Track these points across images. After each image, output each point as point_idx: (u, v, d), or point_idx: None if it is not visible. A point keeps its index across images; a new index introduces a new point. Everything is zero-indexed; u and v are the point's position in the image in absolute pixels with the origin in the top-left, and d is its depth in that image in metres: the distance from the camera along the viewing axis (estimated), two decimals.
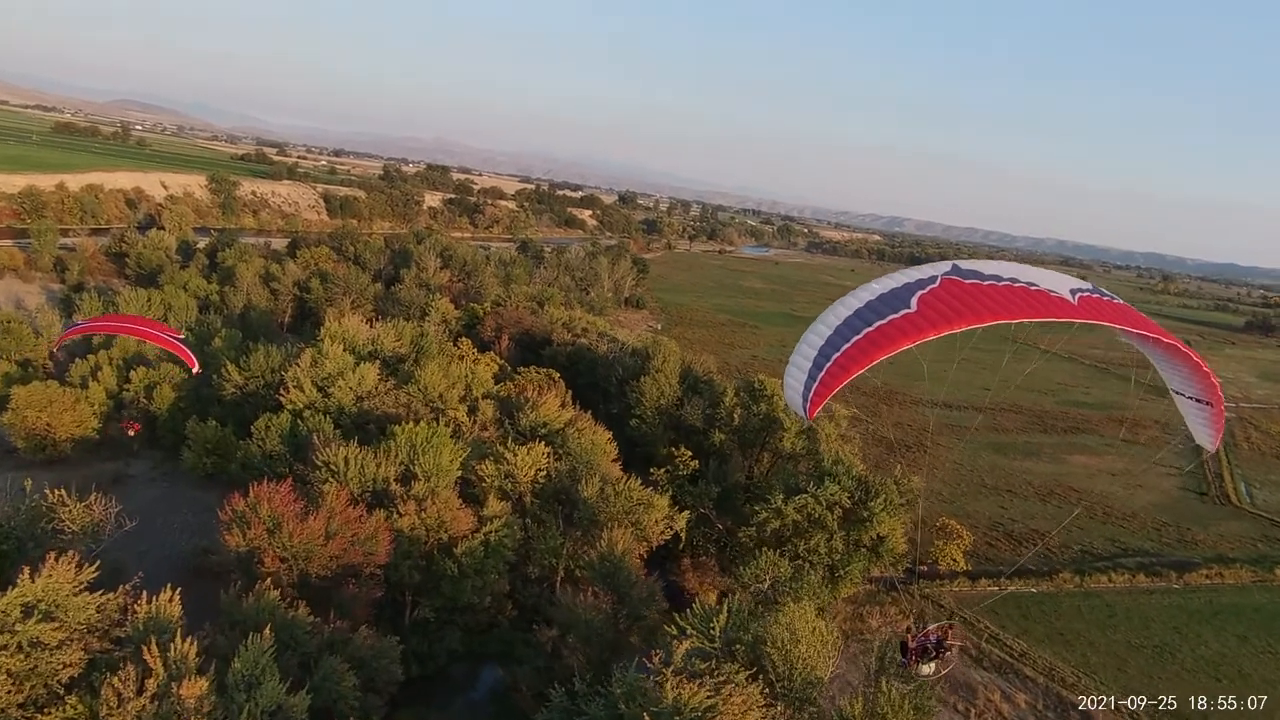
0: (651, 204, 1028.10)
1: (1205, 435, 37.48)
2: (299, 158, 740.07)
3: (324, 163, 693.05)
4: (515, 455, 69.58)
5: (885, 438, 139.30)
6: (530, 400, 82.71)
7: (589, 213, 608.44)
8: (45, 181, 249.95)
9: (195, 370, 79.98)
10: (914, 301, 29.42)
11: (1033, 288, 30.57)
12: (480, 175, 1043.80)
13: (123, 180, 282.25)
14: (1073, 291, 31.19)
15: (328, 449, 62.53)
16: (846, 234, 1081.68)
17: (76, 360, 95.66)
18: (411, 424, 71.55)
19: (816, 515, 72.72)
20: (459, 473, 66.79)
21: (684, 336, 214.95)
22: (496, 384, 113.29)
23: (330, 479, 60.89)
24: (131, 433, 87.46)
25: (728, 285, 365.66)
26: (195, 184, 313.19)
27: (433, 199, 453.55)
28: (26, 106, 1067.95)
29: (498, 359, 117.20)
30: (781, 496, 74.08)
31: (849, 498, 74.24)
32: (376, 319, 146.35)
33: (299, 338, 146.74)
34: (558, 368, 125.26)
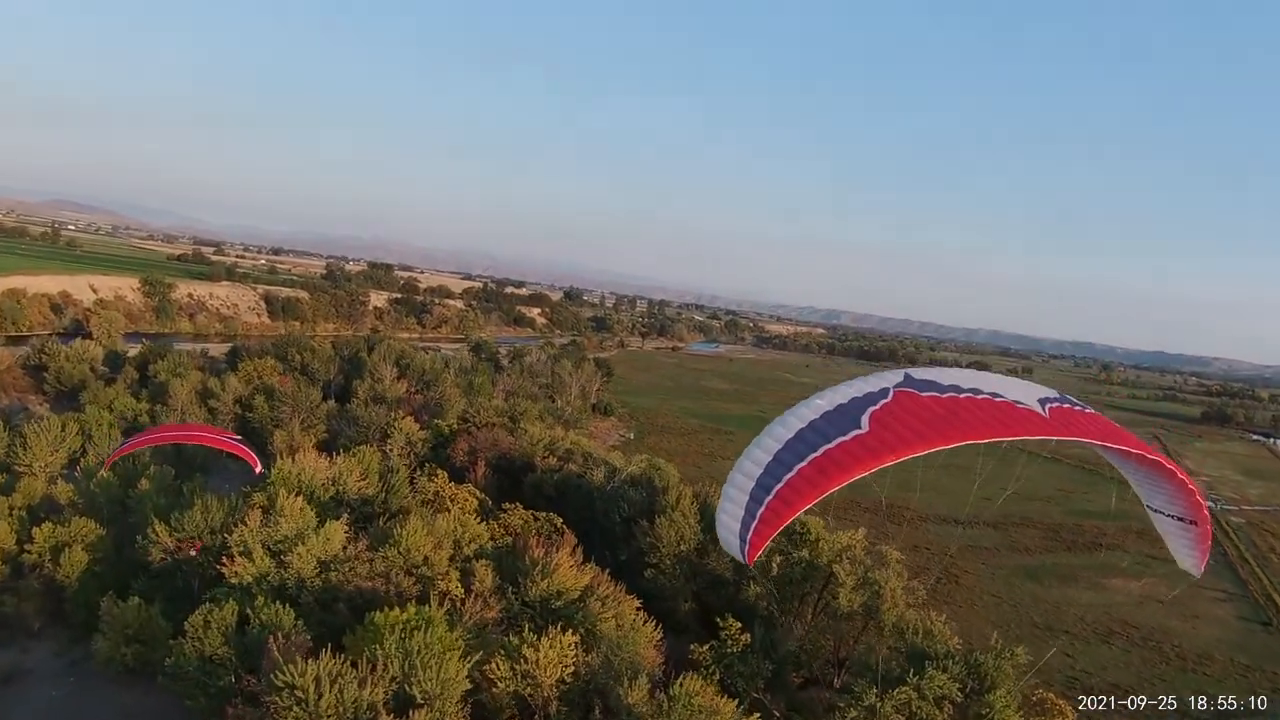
0: (596, 299, 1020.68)
1: (1190, 558, 33.74)
2: (237, 257, 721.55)
3: (263, 262, 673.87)
4: (536, 650, 53.18)
5: (908, 566, 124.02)
6: (538, 561, 66.37)
7: (537, 310, 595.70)
8: None
9: (257, 470, 73.79)
10: (865, 420, 25.35)
11: (998, 399, 26.97)
12: (423, 273, 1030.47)
13: (48, 284, 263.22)
14: (1042, 402, 27.87)
15: (290, 664, 45.70)
16: (790, 328, 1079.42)
17: None
18: (396, 608, 55.13)
19: (922, 716, 56.85)
20: (467, 684, 50.22)
21: (659, 446, 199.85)
22: (482, 522, 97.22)
23: (294, 707, 44.10)
24: (194, 552, 71.08)
25: (689, 386, 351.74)
26: (127, 286, 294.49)
27: (378, 299, 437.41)
28: None
29: (476, 491, 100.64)
30: (874, 690, 58.18)
31: (959, 688, 58.56)
32: (331, 442, 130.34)
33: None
34: (545, 501, 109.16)
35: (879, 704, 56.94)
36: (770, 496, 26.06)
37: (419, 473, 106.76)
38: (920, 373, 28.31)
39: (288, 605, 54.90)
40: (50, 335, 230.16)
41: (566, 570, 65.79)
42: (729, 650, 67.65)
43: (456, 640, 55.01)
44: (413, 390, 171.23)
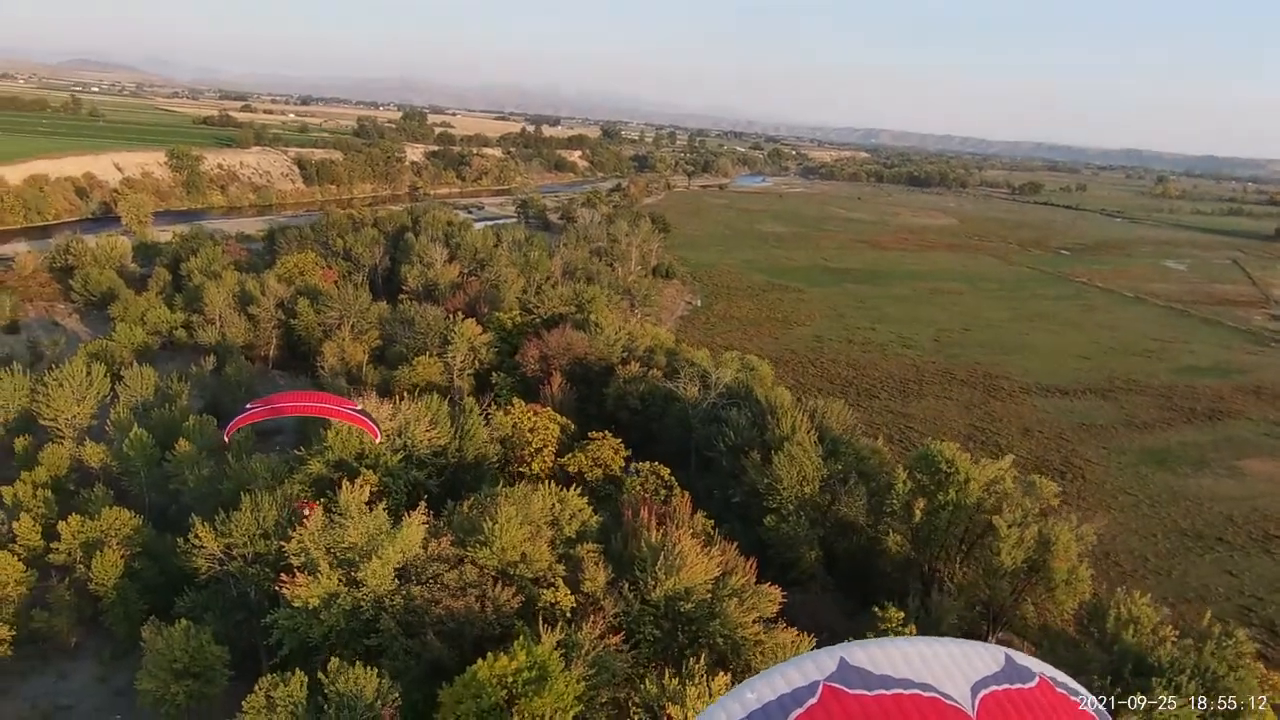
0: (635, 134, 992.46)
1: None
2: (265, 111, 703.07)
3: (292, 117, 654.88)
4: (684, 709, 42.16)
5: (1019, 455, 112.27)
6: (658, 549, 54.86)
7: (578, 154, 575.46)
8: None
9: (378, 439, 67.83)
10: None
11: (927, 696, 21.61)
12: (454, 114, 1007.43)
13: (71, 167, 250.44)
14: (975, 689, 22.15)
15: None
16: (834, 153, 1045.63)
17: None
18: (500, 655, 44.21)
19: None
20: None
21: (730, 314, 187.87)
22: (562, 457, 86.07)
23: None
24: (308, 512, 61.95)
25: (745, 232, 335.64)
26: (154, 162, 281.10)
27: (414, 153, 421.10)
28: None
29: (556, 416, 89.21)
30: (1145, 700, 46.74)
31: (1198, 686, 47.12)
32: (384, 350, 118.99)
33: (289, 377, 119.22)
34: (627, 420, 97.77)
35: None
36: None
37: (487, 396, 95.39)
38: (858, 655, 23.19)
39: (370, 668, 43.81)
40: (77, 225, 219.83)
41: (694, 560, 54.23)
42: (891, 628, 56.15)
43: (574, 687, 44.26)
44: (465, 273, 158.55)
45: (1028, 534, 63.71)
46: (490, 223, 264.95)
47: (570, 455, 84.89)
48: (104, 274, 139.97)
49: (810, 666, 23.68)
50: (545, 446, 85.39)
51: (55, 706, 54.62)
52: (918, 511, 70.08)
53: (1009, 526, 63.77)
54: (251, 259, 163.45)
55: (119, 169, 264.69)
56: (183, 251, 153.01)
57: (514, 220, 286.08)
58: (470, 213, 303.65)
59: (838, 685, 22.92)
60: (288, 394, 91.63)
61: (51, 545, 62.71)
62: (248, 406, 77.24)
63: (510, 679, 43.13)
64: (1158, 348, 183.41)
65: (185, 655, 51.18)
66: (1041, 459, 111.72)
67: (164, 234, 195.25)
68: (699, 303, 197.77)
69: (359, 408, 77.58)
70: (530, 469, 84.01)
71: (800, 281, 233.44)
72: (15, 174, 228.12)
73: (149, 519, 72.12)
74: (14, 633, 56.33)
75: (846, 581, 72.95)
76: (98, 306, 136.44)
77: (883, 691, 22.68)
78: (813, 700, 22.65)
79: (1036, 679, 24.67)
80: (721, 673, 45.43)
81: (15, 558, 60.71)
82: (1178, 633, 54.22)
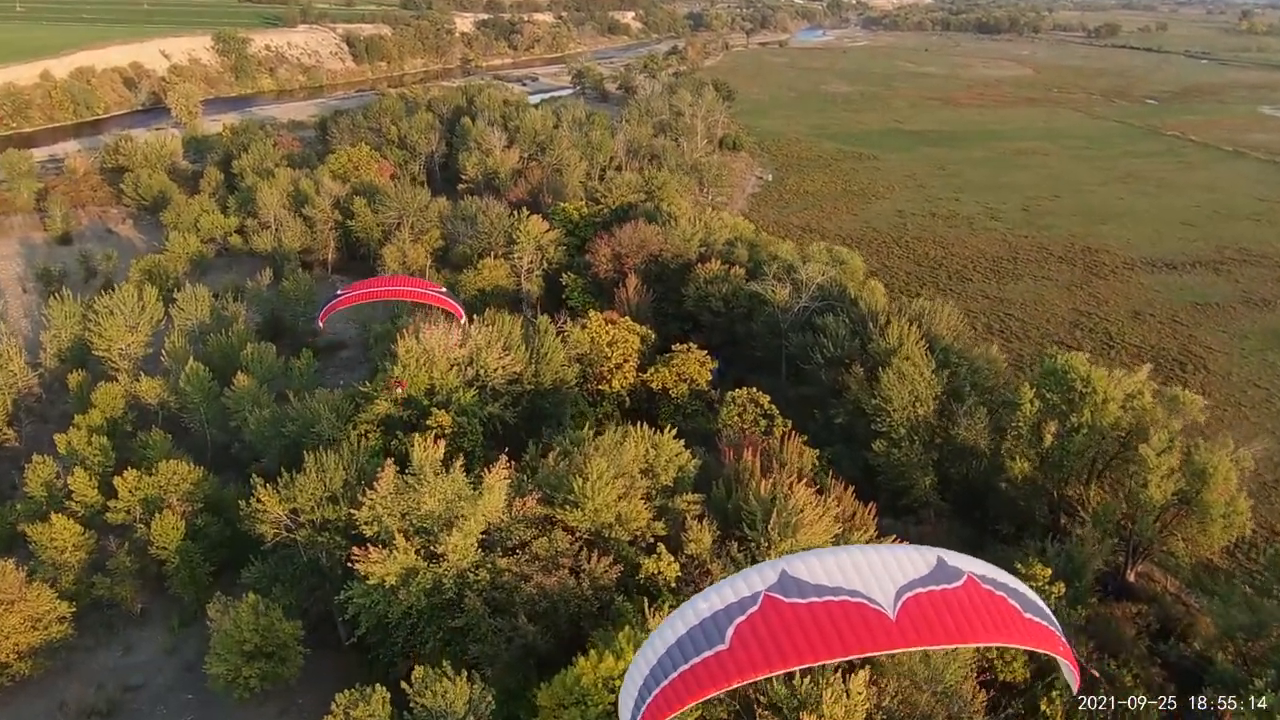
0: None
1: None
2: None
3: None
4: (821, 708, 36.61)
5: (1131, 344, 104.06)
6: (768, 503, 48.76)
7: (631, 15, 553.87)
8: (26, 73, 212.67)
9: (462, 320, 70.88)
10: (729, 635, 25.55)
11: (854, 601, 25.69)
12: None
13: (116, 56, 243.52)
14: (900, 592, 26.07)
15: None
16: (896, 0, 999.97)
17: (33, 459, 62.45)
18: (609, 653, 38.99)
19: None
20: None
21: (803, 189, 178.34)
22: (644, 372, 79.86)
23: None
24: (400, 390, 62.29)
25: (810, 94, 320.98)
26: (200, 47, 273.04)
27: (463, 23, 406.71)
28: None
29: (635, 327, 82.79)
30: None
31: None
32: (446, 252, 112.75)
33: (349, 282, 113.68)
34: (709, 321, 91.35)
35: None
36: (651, 697, 26.00)
37: (560, 313, 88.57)
38: (797, 566, 26.47)
39: (461, 675, 38.64)
40: (128, 119, 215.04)
41: (812, 516, 48.10)
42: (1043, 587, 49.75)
43: None
44: (525, 158, 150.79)
45: (1177, 462, 56.69)
46: (546, 95, 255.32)
47: (653, 370, 78.84)
48: (155, 176, 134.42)
49: (755, 578, 26.87)
50: (625, 361, 79.33)
51: (123, 688, 50.68)
52: (1048, 435, 63.05)
53: (1158, 454, 56.63)
54: (304, 150, 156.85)
55: (165, 56, 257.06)
56: (234, 148, 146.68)
57: (570, 92, 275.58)
58: (524, 85, 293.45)
59: (777, 595, 26.16)
60: (374, 280, 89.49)
61: (109, 503, 58.18)
62: (339, 292, 78.97)
63: (618, 682, 37.76)
64: (1266, 210, 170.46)
65: (255, 635, 46.79)
66: (1157, 347, 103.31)
67: (214, 124, 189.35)
68: (770, 177, 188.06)
69: (443, 291, 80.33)
70: (610, 387, 78.23)
71: (874, 147, 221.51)
72: (61, 67, 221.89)
73: (210, 458, 67.98)
74: (74, 609, 51.92)
75: (963, 508, 66.81)
76: (150, 211, 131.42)
77: (815, 599, 25.88)
78: (754, 609, 25.97)
79: (964, 578, 27.27)
80: (859, 665, 39.60)
81: (72, 519, 56.33)
82: None
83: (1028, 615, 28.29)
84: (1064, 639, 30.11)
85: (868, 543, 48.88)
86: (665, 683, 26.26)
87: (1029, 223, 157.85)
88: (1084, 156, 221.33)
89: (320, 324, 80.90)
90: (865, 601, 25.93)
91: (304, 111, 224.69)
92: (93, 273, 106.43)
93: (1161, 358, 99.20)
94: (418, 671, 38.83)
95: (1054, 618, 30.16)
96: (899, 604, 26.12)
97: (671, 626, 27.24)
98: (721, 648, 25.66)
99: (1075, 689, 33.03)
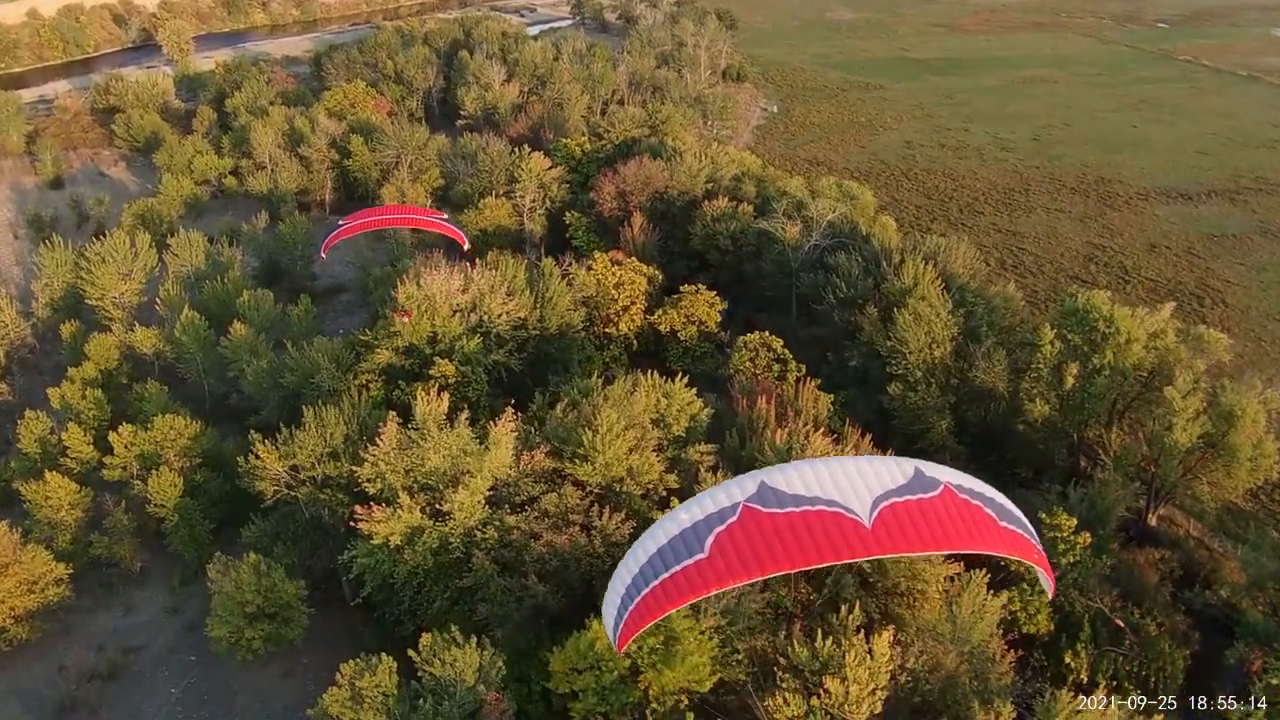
0: None
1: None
2: None
3: None
4: (843, 681, 35.25)
5: (1147, 277, 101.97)
6: (787, 451, 47.15)
7: None
8: (13, 11, 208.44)
9: (466, 248, 74.71)
10: (708, 544, 26.29)
11: (830, 510, 26.49)
12: None
13: None
14: (876, 501, 26.83)
15: None
16: None
17: (26, 415, 60.82)
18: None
19: None
20: None
21: (809, 120, 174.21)
22: (651, 314, 77.94)
23: None
24: (407, 318, 61.54)
25: (814, 22, 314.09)
26: None
27: None
28: None
29: (642, 268, 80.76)
30: None
31: None
32: (447, 190, 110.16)
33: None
34: (717, 260, 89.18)
35: None
36: (634, 604, 26.91)
37: (565, 255, 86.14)
38: (776, 477, 27.35)
39: (471, 641, 37.27)
40: (119, 57, 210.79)
41: (822, 448, 46.49)
42: (1070, 539, 48.21)
43: (707, 647, 37.75)
44: (525, 92, 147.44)
45: (1203, 404, 54.97)
46: (545, 26, 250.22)
47: (661, 312, 76.97)
48: (147, 117, 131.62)
49: (735, 489, 27.39)
50: (633, 303, 77.51)
51: (124, 650, 49.62)
52: (1069, 377, 61.21)
53: (1183, 396, 54.85)
54: (299, 87, 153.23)
55: None
56: (227, 86, 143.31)
57: (569, 23, 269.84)
58: (522, 15, 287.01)
59: (755, 505, 26.66)
60: (375, 209, 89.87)
61: (105, 459, 56.71)
62: (341, 222, 77.49)
63: (632, 647, 36.50)
64: None
65: (257, 596, 45.50)
66: (1174, 281, 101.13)
67: (206, 61, 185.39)
68: (775, 109, 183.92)
69: (444, 217, 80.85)
70: (618, 329, 76.49)
71: (880, 76, 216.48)
72: (49, 4, 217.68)
73: (208, 409, 66.46)
74: (71, 570, 50.63)
75: (980, 451, 65.06)
76: (143, 153, 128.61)
77: (793, 509, 26.45)
78: (733, 519, 26.47)
79: (941, 487, 27.78)
80: (881, 624, 38.26)
81: (67, 476, 54.89)
82: None
83: (1003, 524, 28.70)
84: (1040, 547, 30.72)
85: None
86: (646, 590, 26.95)
87: (1040, 153, 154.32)
88: (1095, 83, 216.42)
89: (323, 254, 79.44)
90: (842, 511, 26.60)
91: (298, 47, 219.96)
92: (85, 217, 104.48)
93: (1179, 292, 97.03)
94: (426, 639, 37.52)
95: (1030, 526, 30.39)
96: (875, 513, 26.75)
97: (653, 537, 27.72)
98: (701, 556, 26.29)
99: (1050, 595, 33.85)
